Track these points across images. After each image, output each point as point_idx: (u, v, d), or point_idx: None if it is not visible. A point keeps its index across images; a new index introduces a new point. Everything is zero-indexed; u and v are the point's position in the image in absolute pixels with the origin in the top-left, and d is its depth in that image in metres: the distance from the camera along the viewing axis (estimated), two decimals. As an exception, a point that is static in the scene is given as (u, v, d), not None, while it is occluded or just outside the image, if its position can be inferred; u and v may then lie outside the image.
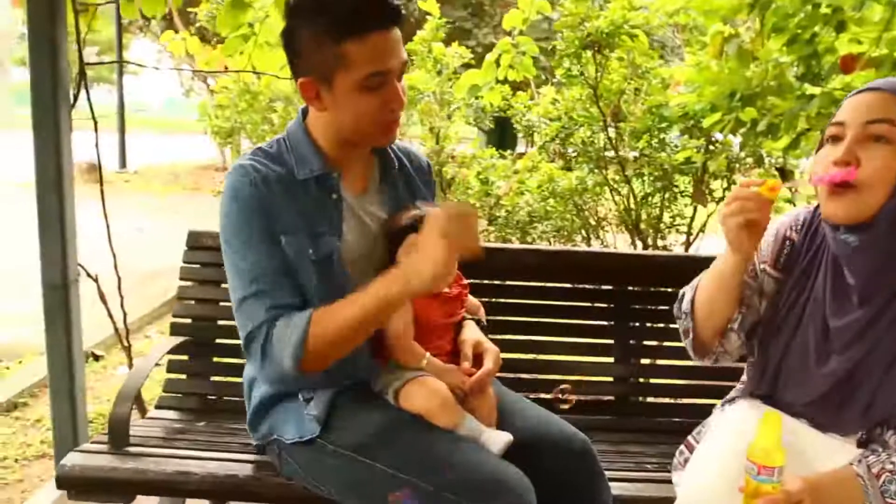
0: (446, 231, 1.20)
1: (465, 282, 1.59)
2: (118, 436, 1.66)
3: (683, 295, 1.48)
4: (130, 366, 2.63)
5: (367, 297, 1.29)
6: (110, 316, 2.67)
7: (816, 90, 2.54)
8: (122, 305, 2.65)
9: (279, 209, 1.38)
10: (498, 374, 1.51)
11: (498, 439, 1.36)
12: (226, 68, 2.94)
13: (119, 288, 2.64)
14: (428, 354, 1.44)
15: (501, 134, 7.47)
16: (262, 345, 1.34)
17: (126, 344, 2.72)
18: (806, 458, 1.32)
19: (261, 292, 1.36)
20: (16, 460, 2.79)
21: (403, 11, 1.36)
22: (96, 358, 3.84)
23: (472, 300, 1.65)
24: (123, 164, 12.80)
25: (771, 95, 2.50)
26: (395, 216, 1.50)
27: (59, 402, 2.24)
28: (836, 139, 1.23)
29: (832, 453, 1.30)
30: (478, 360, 1.47)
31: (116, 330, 2.70)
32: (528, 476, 1.33)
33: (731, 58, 2.62)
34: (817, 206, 1.38)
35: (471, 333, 1.52)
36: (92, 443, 1.69)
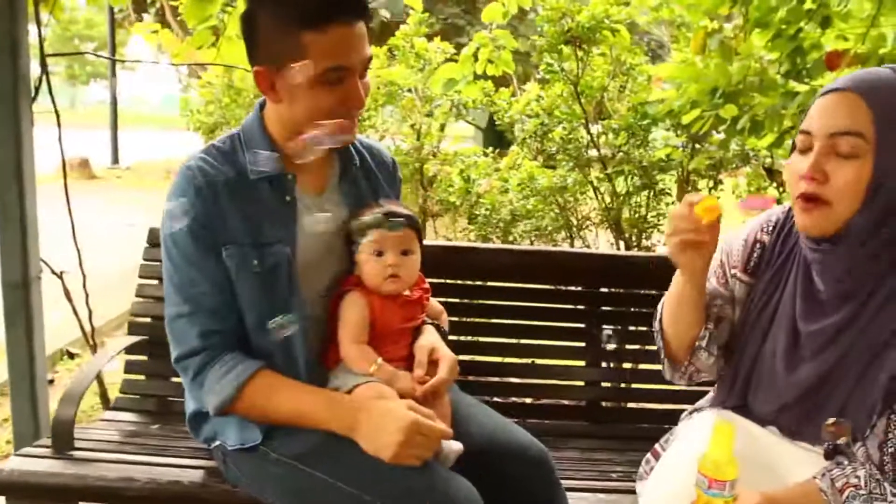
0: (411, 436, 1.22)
1: (427, 284, 1.52)
2: (61, 439, 1.59)
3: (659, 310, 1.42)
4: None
5: (310, 407, 1.30)
6: (76, 314, 2.61)
7: (801, 87, 2.48)
8: (87, 303, 2.60)
9: (224, 217, 1.31)
10: (463, 378, 1.44)
11: (448, 450, 1.29)
12: (202, 63, 2.88)
13: (84, 286, 2.58)
14: (379, 359, 1.37)
15: (499, 133, 7.40)
16: (192, 377, 1.34)
17: (92, 342, 2.67)
18: (773, 469, 1.27)
19: (193, 314, 1.31)
20: (-20, 460, 2.72)
21: (371, 4, 1.30)
22: (71, 356, 3.78)
23: (435, 304, 1.59)
24: (116, 159, 12.74)
25: (753, 92, 2.44)
26: (357, 215, 1.43)
27: (18, 402, 2.18)
28: (804, 150, 1.18)
29: (800, 463, 1.24)
30: (433, 366, 1.40)
31: (82, 328, 2.65)
32: (482, 485, 1.27)
33: (714, 53, 2.56)
34: (791, 208, 1.32)
35: (427, 339, 1.44)
36: (35, 446, 1.63)
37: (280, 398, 1.31)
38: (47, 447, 1.61)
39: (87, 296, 2.58)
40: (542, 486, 1.37)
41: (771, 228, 1.35)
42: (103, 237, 6.02)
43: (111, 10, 11.66)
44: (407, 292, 1.44)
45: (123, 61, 12.12)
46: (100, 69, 21.25)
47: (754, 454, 1.30)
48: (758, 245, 1.36)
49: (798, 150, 1.19)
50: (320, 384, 1.38)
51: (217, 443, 1.44)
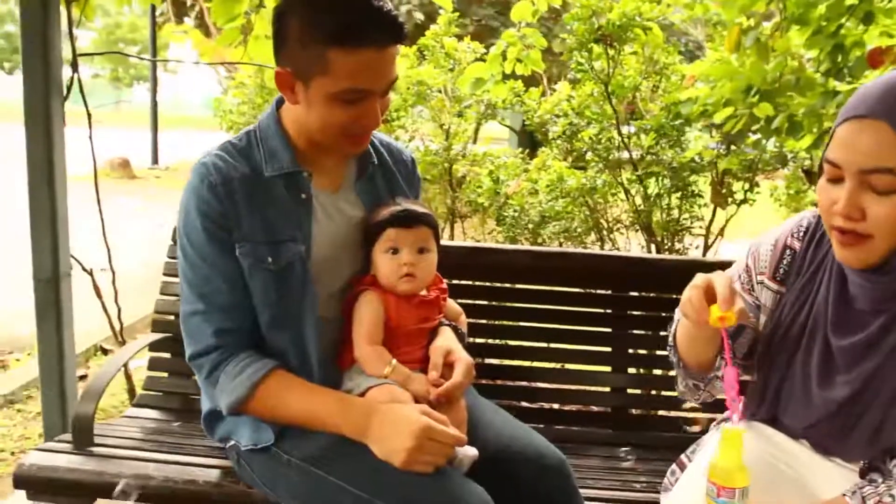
0: (422, 441, 1.20)
1: (444, 285, 1.49)
2: (81, 435, 1.60)
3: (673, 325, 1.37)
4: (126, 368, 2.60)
5: (322, 409, 1.29)
6: (105, 312, 2.65)
7: (843, 86, 2.39)
8: (115, 300, 2.63)
9: (238, 215, 1.31)
10: (483, 381, 1.41)
11: (462, 456, 1.26)
12: (230, 62, 2.90)
13: (113, 283, 2.62)
14: (394, 361, 1.35)
15: (532, 134, 7.34)
16: (206, 376, 1.34)
17: (121, 339, 2.70)
18: (804, 484, 1.23)
19: (207, 312, 1.31)
20: (12, 453, 2.78)
21: (406, 27, 1.26)
22: (105, 352, 3.84)
23: (453, 305, 1.56)
24: (156, 160, 12.99)
25: (790, 91, 2.36)
26: (374, 213, 1.41)
27: (48, 397, 2.22)
28: (833, 180, 1.11)
29: (832, 480, 1.19)
30: (449, 369, 1.37)
31: (111, 325, 2.69)
32: (497, 492, 1.24)
33: (749, 51, 2.48)
34: None
35: (443, 341, 1.41)
36: (56, 441, 1.64)
37: (292, 399, 1.29)
38: (68, 442, 1.62)
39: (115, 293, 2.62)
40: (560, 494, 1.33)
41: (802, 234, 1.29)
42: (137, 236, 6.14)
43: (153, 13, 11.91)
44: (423, 292, 1.42)
45: (155, 61, 12.31)
46: (143, 72, 21.77)
47: (785, 468, 1.26)
48: (788, 251, 1.29)
49: (827, 178, 1.12)
50: (334, 385, 1.36)
51: (232, 442, 1.43)
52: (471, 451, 1.28)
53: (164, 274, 2.09)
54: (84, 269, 2.44)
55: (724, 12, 2.55)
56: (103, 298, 2.58)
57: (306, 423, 1.30)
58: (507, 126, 5.62)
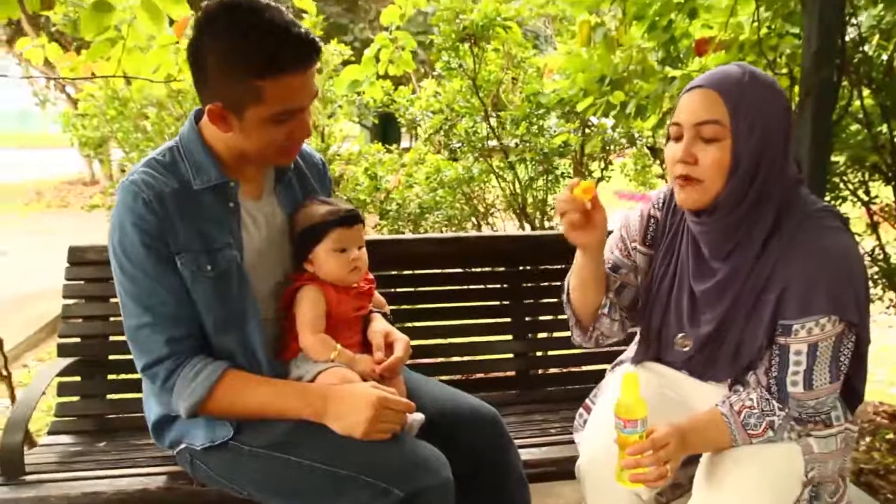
0: (379, 411, 1.32)
1: (372, 276, 1.62)
2: (12, 466, 1.57)
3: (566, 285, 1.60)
4: (12, 398, 2.47)
5: (280, 398, 1.37)
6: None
7: (676, 72, 2.75)
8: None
9: (174, 227, 1.36)
10: (413, 361, 1.55)
11: (412, 420, 1.40)
12: (93, 74, 2.80)
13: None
14: (339, 346, 1.46)
15: (385, 129, 7.52)
16: (162, 383, 1.38)
17: (6, 373, 2.55)
18: (687, 404, 1.51)
19: (155, 323, 1.35)
20: None
21: (321, 45, 1.34)
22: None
23: (377, 296, 1.69)
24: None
25: (636, 79, 2.69)
26: (306, 215, 1.50)
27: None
28: (676, 138, 1.38)
29: (709, 396, 1.45)
30: (389, 349, 1.51)
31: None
32: (441, 451, 1.38)
33: (599, 45, 2.78)
34: None
35: (380, 325, 1.56)
36: (-18, 477, 1.59)
37: (250, 393, 1.37)
38: (-3, 475, 1.58)
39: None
40: (496, 444, 1.50)
41: (662, 204, 1.56)
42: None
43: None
44: (357, 284, 1.54)
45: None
46: (-58, 87, 19.37)
47: (671, 393, 1.53)
48: (651, 220, 1.56)
49: (672, 138, 1.40)
50: (282, 377, 1.45)
51: (183, 446, 1.47)
52: (419, 416, 1.42)
53: (65, 297, 2.04)
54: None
55: (572, 10, 2.84)
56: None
57: (266, 414, 1.38)
58: (358, 122, 5.73)
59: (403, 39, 2.82)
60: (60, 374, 1.94)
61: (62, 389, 1.99)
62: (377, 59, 2.89)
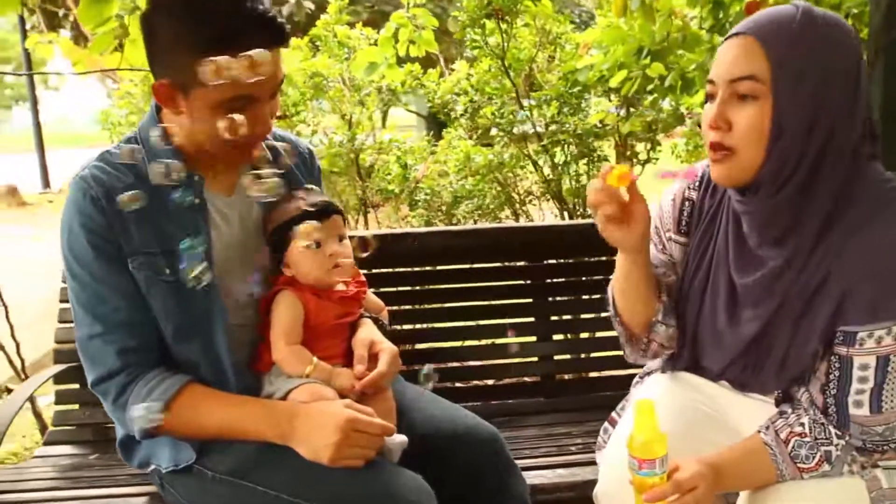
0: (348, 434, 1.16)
1: (362, 278, 1.46)
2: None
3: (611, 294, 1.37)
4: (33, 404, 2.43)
5: (241, 418, 1.23)
6: (2, 349, 2.47)
7: (725, 41, 2.49)
8: (12, 335, 2.46)
9: (126, 227, 1.22)
10: (415, 367, 1.38)
11: (391, 445, 1.24)
12: (106, 69, 2.72)
13: (7, 317, 2.44)
14: (315, 359, 1.30)
15: (437, 117, 7.34)
16: (114, 400, 1.24)
17: (24, 376, 2.53)
18: (725, 422, 1.28)
19: (107, 333, 1.23)
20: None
21: (287, 28, 1.19)
22: (9, 391, 3.60)
23: (374, 299, 1.52)
24: (46, 183, 12.22)
25: (678, 49, 2.43)
26: (276, 212, 1.35)
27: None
28: (710, 97, 1.14)
29: (751, 414, 1.23)
30: (374, 360, 1.33)
31: (11, 362, 2.51)
32: (433, 473, 1.23)
33: (637, 14, 2.54)
34: None
35: (366, 333, 1.38)
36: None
37: (208, 411, 1.23)
38: (-29, 493, 1.50)
39: (11, 328, 2.45)
40: (494, 467, 1.33)
41: (698, 184, 1.32)
42: (32, 266, 5.77)
43: (23, 24, 11.13)
44: (342, 287, 1.38)
45: (27, 74, 11.54)
46: (22, 91, 20.25)
47: (708, 409, 1.30)
48: (686, 203, 1.32)
49: (706, 99, 1.15)
50: (255, 392, 1.31)
51: (152, 466, 1.35)
52: (398, 439, 1.25)
53: (61, 300, 1.96)
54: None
55: (607, -23, 2.60)
56: (-2, 335, 2.41)
57: (227, 434, 1.23)
58: (413, 111, 5.59)
59: (423, 17, 2.62)
60: (57, 380, 1.87)
61: (60, 398, 1.92)
62: (396, 40, 2.71)
